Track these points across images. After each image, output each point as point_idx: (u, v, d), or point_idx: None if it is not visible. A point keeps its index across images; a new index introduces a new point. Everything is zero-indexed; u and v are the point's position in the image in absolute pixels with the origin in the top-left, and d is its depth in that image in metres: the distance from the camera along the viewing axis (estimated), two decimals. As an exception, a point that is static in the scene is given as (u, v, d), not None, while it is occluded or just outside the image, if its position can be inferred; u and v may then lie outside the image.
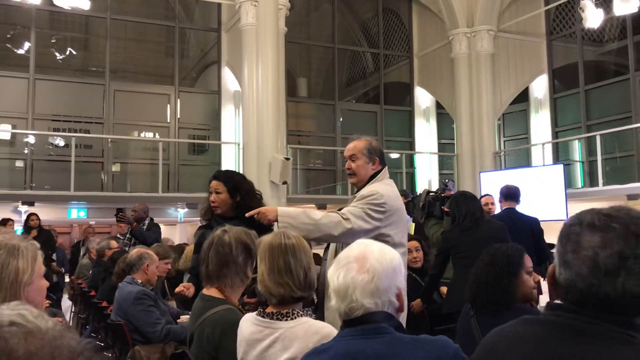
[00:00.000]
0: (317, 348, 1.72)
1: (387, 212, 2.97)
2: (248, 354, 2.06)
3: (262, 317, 2.06)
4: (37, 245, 1.83)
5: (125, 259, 4.52)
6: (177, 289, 3.43)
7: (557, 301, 1.24)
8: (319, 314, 2.84)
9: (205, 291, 2.46)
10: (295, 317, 2.00)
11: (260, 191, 3.53)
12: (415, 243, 4.67)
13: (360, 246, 1.68)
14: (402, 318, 2.91)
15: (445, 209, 5.56)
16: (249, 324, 2.11)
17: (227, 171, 3.67)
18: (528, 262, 2.63)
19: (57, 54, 11.97)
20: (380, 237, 2.75)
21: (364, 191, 3.03)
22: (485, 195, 6.74)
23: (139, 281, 4.15)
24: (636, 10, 9.12)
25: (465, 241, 4.22)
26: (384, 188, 3.06)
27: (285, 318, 2.01)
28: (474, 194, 4.95)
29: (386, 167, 3.19)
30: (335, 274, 1.63)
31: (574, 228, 1.20)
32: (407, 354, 1.51)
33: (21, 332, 0.52)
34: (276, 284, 2.02)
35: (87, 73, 12.34)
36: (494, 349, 1.29)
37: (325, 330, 1.95)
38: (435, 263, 4.46)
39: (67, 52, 12.09)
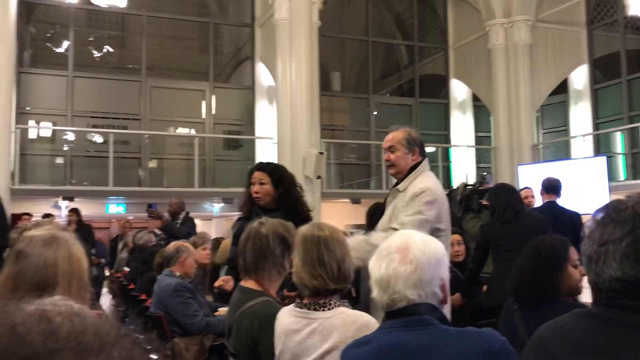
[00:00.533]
0: (359, 340, 1.69)
1: (440, 207, 2.93)
2: (287, 345, 2.05)
3: (300, 308, 2.05)
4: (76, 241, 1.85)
5: (162, 253, 4.56)
6: (216, 283, 3.43)
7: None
8: (360, 307, 2.81)
9: (243, 283, 2.47)
10: (333, 308, 1.99)
11: (300, 184, 3.54)
12: (457, 237, 4.60)
13: (402, 236, 1.65)
14: (446, 311, 2.89)
15: (484, 203, 5.46)
16: (287, 315, 2.10)
17: (271, 163, 3.67)
18: (574, 254, 2.54)
19: (94, 52, 12.19)
20: (435, 233, 2.69)
21: (413, 188, 2.92)
22: (524, 188, 6.59)
23: (177, 274, 4.18)
24: (682, -5, 8.81)
25: (505, 234, 4.13)
26: (432, 182, 2.99)
27: (322, 308, 2.00)
28: (513, 186, 4.85)
29: (427, 159, 3.13)
30: (377, 265, 1.59)
31: (602, 218, 1.18)
32: (453, 346, 1.48)
33: (65, 311, 0.50)
34: (310, 276, 2.01)
35: (124, 70, 12.54)
36: (544, 343, 1.26)
37: (363, 319, 1.94)
38: (474, 257, 4.38)
39: (105, 50, 12.31)
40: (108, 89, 11.63)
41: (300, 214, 3.35)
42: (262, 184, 3.34)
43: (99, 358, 0.47)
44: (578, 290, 2.56)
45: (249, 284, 2.43)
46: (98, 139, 11.39)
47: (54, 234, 1.77)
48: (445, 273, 1.63)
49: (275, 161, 10.67)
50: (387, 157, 3.08)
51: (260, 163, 3.62)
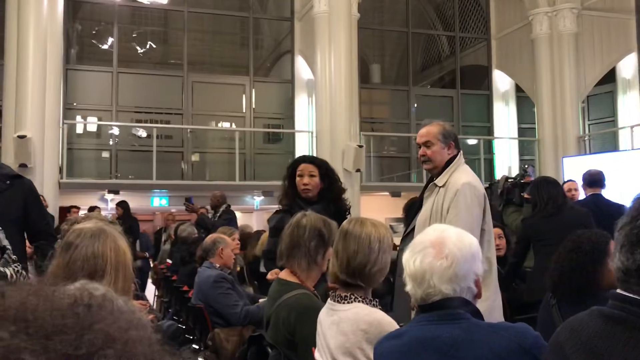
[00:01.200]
0: (392, 333, 1.70)
1: (484, 201, 2.94)
2: (319, 336, 2.11)
3: (331, 300, 2.10)
4: (119, 228, 1.92)
5: (202, 246, 4.66)
6: (268, 276, 3.46)
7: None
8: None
9: (281, 275, 2.52)
10: (352, 302, 2.01)
11: (341, 180, 3.59)
12: (498, 230, 4.53)
13: (437, 231, 1.65)
14: (492, 305, 2.85)
15: (526, 196, 5.35)
16: (326, 305, 2.16)
17: (317, 157, 3.74)
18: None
19: (138, 48, 12.45)
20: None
21: (455, 184, 2.90)
22: (568, 180, 6.45)
23: (217, 265, 4.26)
24: None
25: (547, 228, 4.06)
26: (472, 177, 2.98)
27: (343, 301, 2.03)
28: (555, 179, 4.75)
29: (461, 152, 3.09)
30: (412, 259, 1.59)
31: None
32: (485, 340, 1.48)
33: (103, 294, 0.53)
34: (332, 264, 2.10)
35: (166, 66, 12.78)
36: (560, 341, 1.24)
37: (377, 315, 1.94)
38: (515, 251, 4.33)
39: (148, 46, 12.56)
40: (151, 84, 11.88)
41: (340, 208, 3.40)
42: (312, 176, 3.35)
43: (120, 344, 0.49)
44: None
45: (286, 275, 2.49)
46: (142, 133, 11.65)
47: (102, 227, 1.85)
48: (479, 268, 1.63)
49: (315, 155, 10.76)
50: (422, 152, 3.03)
51: (309, 156, 3.70)
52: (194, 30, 12.43)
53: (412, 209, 3.34)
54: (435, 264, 1.55)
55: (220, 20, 12.81)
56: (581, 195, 5.84)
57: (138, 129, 11.68)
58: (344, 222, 2.15)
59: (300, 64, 12.08)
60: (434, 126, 3.06)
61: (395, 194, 11.22)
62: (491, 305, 2.80)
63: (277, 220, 3.39)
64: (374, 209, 10.70)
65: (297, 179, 3.38)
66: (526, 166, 6.88)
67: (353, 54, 10.58)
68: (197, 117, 11.94)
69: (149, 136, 11.24)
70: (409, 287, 1.61)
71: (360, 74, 11.85)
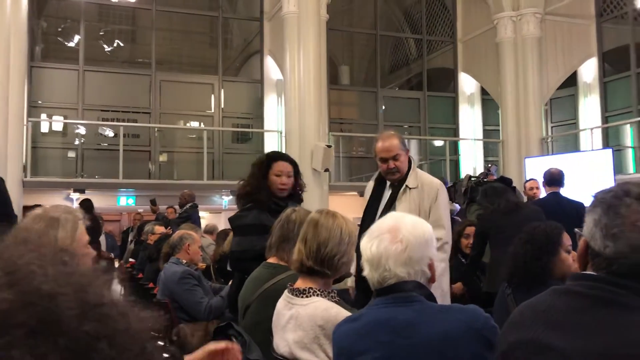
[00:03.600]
0: (350, 317, 1.75)
1: None
2: (275, 327, 2.12)
3: (288, 293, 2.10)
4: (79, 215, 1.92)
5: (169, 242, 4.65)
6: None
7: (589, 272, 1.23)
8: None
9: (270, 260, 2.57)
10: (310, 296, 2.02)
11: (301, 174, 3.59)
12: (473, 229, 4.68)
13: (393, 218, 1.71)
14: (445, 300, 2.99)
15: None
16: (282, 298, 2.15)
17: (287, 154, 3.69)
18: (567, 240, 2.59)
19: (105, 46, 12.31)
20: None
21: (432, 185, 3.18)
22: (530, 179, 6.62)
23: (183, 261, 4.27)
24: (692, -12, 8.75)
25: (503, 223, 4.19)
26: (429, 175, 3.29)
27: (302, 295, 2.03)
28: (504, 187, 4.92)
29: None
30: (369, 244, 1.65)
31: (620, 200, 1.17)
32: (437, 321, 1.53)
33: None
34: (297, 251, 2.10)
35: (134, 64, 12.65)
36: (522, 320, 1.29)
37: (333, 310, 1.94)
38: (474, 244, 4.45)
39: (115, 44, 12.42)
40: (118, 82, 11.75)
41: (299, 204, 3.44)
42: (290, 176, 3.31)
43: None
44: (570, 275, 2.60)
45: (275, 260, 2.54)
46: (109, 132, 11.52)
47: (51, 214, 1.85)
48: (434, 253, 1.69)
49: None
50: (392, 165, 3.18)
51: (282, 154, 3.59)
52: (162, 29, 12.35)
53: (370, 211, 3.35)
54: (390, 248, 1.60)
55: (189, 19, 12.75)
56: (542, 193, 6.01)
57: (105, 127, 11.54)
58: (314, 213, 2.19)
59: (270, 64, 12.10)
60: (394, 138, 3.22)
61: (363, 194, 11.30)
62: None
63: (253, 216, 3.25)
64: (343, 208, 10.74)
65: (274, 177, 3.29)
66: (489, 165, 7.06)
67: (322, 55, 10.65)
68: (165, 116, 11.87)
69: (115, 135, 11.12)
70: (366, 272, 1.66)
71: (330, 75, 11.93)
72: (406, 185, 3.16)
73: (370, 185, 3.43)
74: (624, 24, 11.88)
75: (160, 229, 6.79)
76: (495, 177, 6.46)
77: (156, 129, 11.59)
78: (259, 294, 2.42)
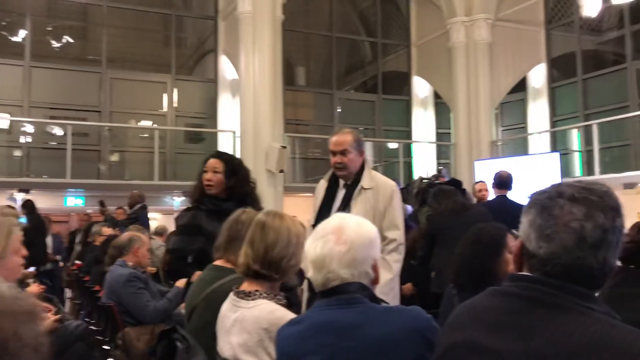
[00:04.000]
0: (294, 319, 1.73)
1: None
2: (220, 330, 2.08)
3: (234, 295, 2.06)
4: (15, 220, 1.84)
5: (116, 244, 4.53)
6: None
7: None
8: None
9: (217, 263, 2.52)
10: (256, 299, 1.99)
11: (255, 180, 3.50)
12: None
13: (338, 219, 1.69)
14: (394, 297, 3.00)
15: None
16: (227, 301, 2.11)
17: (228, 153, 3.60)
18: (511, 241, 2.62)
19: (53, 42, 11.94)
20: None
21: (386, 187, 3.19)
22: (479, 181, 6.74)
23: (130, 264, 4.16)
24: (634, -1, 9.10)
25: (451, 224, 4.25)
26: (384, 177, 3.29)
27: (247, 298, 2.00)
28: (453, 188, 5.00)
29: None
30: (313, 246, 1.63)
31: (554, 201, 1.18)
32: (380, 322, 1.52)
33: None
34: (243, 254, 2.06)
35: (84, 61, 12.32)
36: (459, 320, 1.30)
37: (279, 313, 1.92)
38: (423, 245, 4.50)
39: (64, 41, 12.06)
40: (67, 80, 11.42)
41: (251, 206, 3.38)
42: (215, 172, 3.28)
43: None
44: (515, 276, 2.64)
45: (222, 263, 2.49)
46: (57, 131, 11.18)
47: None
48: (377, 254, 1.68)
49: (238, 155, 10.69)
50: (339, 160, 3.20)
51: (219, 151, 3.54)
52: (113, 26, 12.06)
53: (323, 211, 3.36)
54: (334, 249, 1.59)
55: (142, 16, 12.50)
56: (491, 195, 6.13)
57: (52, 126, 11.20)
58: (261, 214, 2.15)
59: (224, 63, 11.99)
60: (348, 135, 3.23)
61: (317, 194, 11.30)
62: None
63: (190, 216, 3.30)
64: (297, 210, 10.73)
65: (203, 175, 3.31)
66: (441, 168, 7.15)
67: (277, 55, 10.60)
68: (116, 115, 11.60)
69: (64, 134, 10.79)
70: (310, 273, 1.64)
71: (285, 76, 11.90)
72: (361, 186, 3.16)
73: (321, 185, 3.41)
74: (571, 31, 12.26)
75: (108, 231, 6.63)
76: (446, 179, 6.54)
77: (106, 128, 11.32)
78: (204, 297, 2.37)
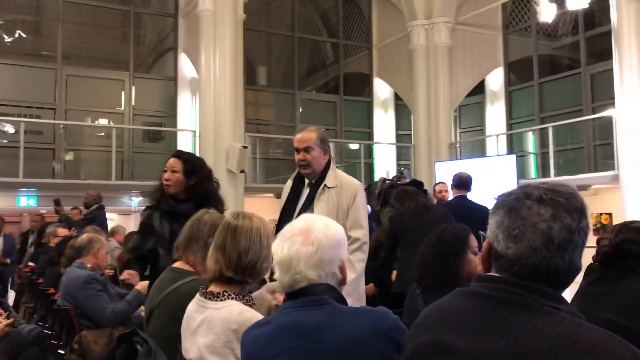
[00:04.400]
0: (260, 321, 1.71)
1: None
2: (185, 331, 2.05)
3: (201, 296, 2.03)
4: None
5: (75, 245, 4.42)
6: (122, 276, 3.36)
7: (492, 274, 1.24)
8: None
9: (176, 265, 2.49)
10: (225, 300, 1.96)
11: (217, 179, 3.47)
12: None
13: (305, 220, 1.68)
14: (362, 301, 3.01)
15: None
16: (193, 301, 2.08)
17: (189, 152, 3.53)
18: (473, 242, 2.66)
19: (5, 36, 11.55)
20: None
21: (350, 186, 3.18)
22: (439, 182, 6.83)
23: (88, 265, 4.06)
24: (587, 6, 9.36)
25: (413, 225, 4.28)
26: (349, 176, 3.28)
27: (215, 299, 1.97)
28: (415, 189, 5.05)
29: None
30: (280, 247, 1.62)
31: (522, 202, 1.19)
32: (347, 324, 1.52)
33: None
34: (213, 260, 2.01)
35: (38, 57, 11.97)
36: (427, 321, 1.30)
37: (248, 314, 1.90)
38: (385, 246, 4.52)
39: (17, 35, 11.69)
40: (20, 76, 11.07)
41: (212, 208, 3.29)
42: (174, 171, 3.23)
43: None
44: (478, 276, 2.67)
45: (181, 265, 2.46)
46: (8, 128, 10.82)
47: None
48: (345, 255, 1.68)
49: (198, 154, 10.56)
50: (302, 157, 3.20)
51: (179, 151, 3.49)
52: (69, 21, 11.75)
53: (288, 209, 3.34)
54: (302, 250, 1.58)
55: (99, 12, 12.21)
56: (450, 196, 6.21)
57: (4, 123, 10.83)
58: (229, 217, 2.09)
59: (184, 61, 11.83)
60: (312, 132, 3.23)
61: (280, 195, 11.25)
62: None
63: (145, 216, 3.28)
64: (259, 210, 10.64)
65: (163, 174, 3.27)
66: (402, 169, 7.21)
67: (239, 54, 10.52)
68: (71, 112, 11.30)
69: (16, 131, 10.45)
70: (277, 275, 1.63)
71: (247, 75, 11.82)
72: (324, 184, 3.16)
73: (288, 184, 3.40)
74: (528, 36, 12.55)
75: (63, 231, 6.45)
76: (407, 180, 6.61)
77: (61, 125, 11.01)
78: (161, 299, 2.33)
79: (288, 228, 1.67)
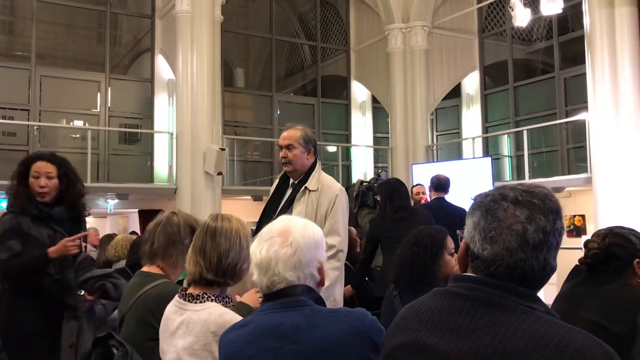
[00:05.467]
0: (238, 323, 1.71)
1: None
2: (163, 333, 2.04)
3: (179, 298, 2.02)
4: None
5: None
6: None
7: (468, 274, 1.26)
8: None
9: (144, 269, 2.45)
10: (204, 302, 1.95)
11: (82, 181, 3.30)
12: (352, 229, 4.77)
13: (284, 221, 1.68)
14: (339, 305, 3.00)
15: (377, 198, 5.67)
16: (172, 303, 2.07)
17: (56, 154, 3.25)
18: (450, 243, 2.70)
19: (-22, 36, 11.37)
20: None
21: (330, 189, 3.13)
22: (417, 184, 6.88)
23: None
24: (561, 11, 9.52)
25: (393, 227, 4.30)
26: (335, 181, 3.24)
27: (195, 301, 1.96)
28: (401, 181, 5.04)
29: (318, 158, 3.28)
30: (258, 248, 1.62)
31: (498, 204, 1.20)
32: (325, 325, 1.52)
33: None
34: (193, 263, 2.00)
35: (11, 57, 11.78)
36: (404, 322, 1.31)
37: (228, 316, 1.90)
38: (365, 249, 4.53)
39: (-11, 35, 11.50)
40: (-8, 76, 10.88)
41: (79, 213, 3.18)
42: (50, 177, 3.03)
43: None
44: (454, 277, 2.70)
45: (150, 269, 2.43)
46: (-20, 129, 10.62)
47: None
48: (323, 256, 1.68)
49: (174, 156, 10.49)
50: (284, 154, 3.17)
51: (43, 153, 3.22)
52: (44, 21, 11.59)
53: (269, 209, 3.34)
54: (280, 251, 1.58)
55: (74, 12, 12.06)
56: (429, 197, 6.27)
57: (-24, 124, 10.63)
58: (208, 219, 2.07)
59: (161, 63, 11.74)
60: (296, 130, 3.19)
61: (258, 197, 11.25)
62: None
63: (8, 222, 3.01)
64: (236, 212, 10.60)
65: (32, 179, 3.05)
66: (380, 171, 7.25)
67: (216, 56, 10.48)
68: (46, 113, 11.13)
69: (-12, 132, 10.28)
70: (255, 277, 1.63)
71: (224, 77, 11.78)
72: (305, 187, 3.12)
73: (274, 183, 3.38)
74: (503, 40, 12.72)
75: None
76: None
77: (35, 127, 10.84)
78: (131, 305, 2.32)
79: (267, 229, 1.67)
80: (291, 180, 3.24)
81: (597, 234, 2.38)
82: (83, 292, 3.10)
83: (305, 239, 1.62)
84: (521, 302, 1.15)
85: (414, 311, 1.31)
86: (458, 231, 1.45)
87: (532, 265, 1.16)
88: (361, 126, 13.94)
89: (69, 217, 3.02)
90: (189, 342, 1.90)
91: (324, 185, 3.13)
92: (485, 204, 1.22)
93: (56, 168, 3.04)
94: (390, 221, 4.46)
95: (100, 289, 2.95)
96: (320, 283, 1.67)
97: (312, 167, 3.17)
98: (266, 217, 3.09)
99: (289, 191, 3.21)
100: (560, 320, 1.14)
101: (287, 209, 3.14)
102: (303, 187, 3.12)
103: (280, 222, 1.68)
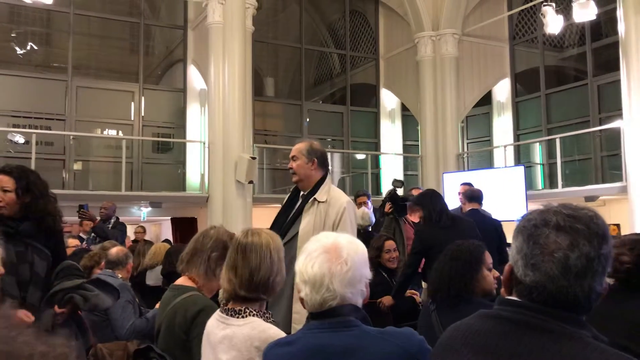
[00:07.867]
0: (283, 339, 1.73)
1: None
2: (205, 347, 2.07)
3: (221, 312, 2.05)
4: None
5: (92, 255, 4.45)
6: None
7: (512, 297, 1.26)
8: None
9: (177, 282, 2.53)
10: (246, 317, 1.97)
11: (54, 194, 3.15)
12: (392, 243, 4.76)
13: (330, 237, 1.68)
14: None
15: (386, 210, 5.70)
16: (213, 317, 2.10)
17: (20, 166, 3.06)
18: (488, 258, 2.69)
19: (17, 48, 11.68)
20: None
21: (339, 201, 3.16)
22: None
23: (119, 276, 4.11)
24: (594, 17, 9.40)
25: (444, 239, 4.23)
26: (344, 195, 3.27)
27: (237, 315, 1.98)
28: (441, 197, 5.00)
29: (329, 170, 3.35)
30: (309, 264, 1.61)
31: (540, 230, 1.19)
32: (375, 347, 1.53)
33: None
34: (226, 280, 2.03)
35: (48, 69, 12.08)
36: (450, 343, 1.31)
37: (271, 332, 1.91)
38: (410, 261, 4.43)
39: (28, 47, 11.82)
40: (31, 87, 11.17)
41: (51, 226, 3.01)
42: (5, 191, 2.88)
43: None
44: (492, 293, 2.70)
45: (181, 282, 2.51)
46: (19, 139, 10.90)
47: None
48: (369, 273, 1.69)
49: (207, 165, 10.63)
50: (290, 165, 3.30)
51: (8, 166, 3.05)
52: (80, 33, 11.87)
53: (279, 220, 3.35)
54: (334, 268, 1.58)
55: (109, 24, 12.33)
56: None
57: (15, 134, 10.92)
58: (239, 236, 2.09)
59: (193, 73, 11.93)
60: (302, 143, 3.32)
61: (287, 206, 11.31)
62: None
63: None
64: (266, 220, 10.70)
65: None
66: (396, 186, 7.02)
67: (247, 66, 10.60)
68: (81, 123, 11.39)
69: (27, 142, 10.54)
70: (304, 293, 1.62)
71: (255, 86, 11.89)
72: (314, 198, 3.19)
73: (288, 196, 3.46)
74: (534, 47, 12.60)
75: (73, 242, 6.49)
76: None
77: (71, 136, 11.11)
78: (165, 315, 2.40)
79: (313, 246, 1.67)
80: (301, 192, 3.31)
81: (622, 244, 2.27)
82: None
83: (357, 255, 1.63)
84: (567, 327, 1.15)
85: (459, 332, 1.31)
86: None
87: (576, 292, 1.15)
88: (390, 134, 13.92)
89: (41, 232, 2.90)
90: (233, 356, 1.92)
91: (332, 197, 3.19)
92: (528, 228, 1.22)
93: (14, 181, 2.90)
94: (437, 228, 4.39)
95: (69, 302, 2.84)
96: (366, 299, 1.69)
97: (322, 180, 3.25)
98: (276, 228, 3.13)
99: (299, 202, 3.28)
100: (608, 347, 1.13)
101: (295, 220, 3.20)
102: (312, 199, 3.19)
103: (325, 239, 1.68)
